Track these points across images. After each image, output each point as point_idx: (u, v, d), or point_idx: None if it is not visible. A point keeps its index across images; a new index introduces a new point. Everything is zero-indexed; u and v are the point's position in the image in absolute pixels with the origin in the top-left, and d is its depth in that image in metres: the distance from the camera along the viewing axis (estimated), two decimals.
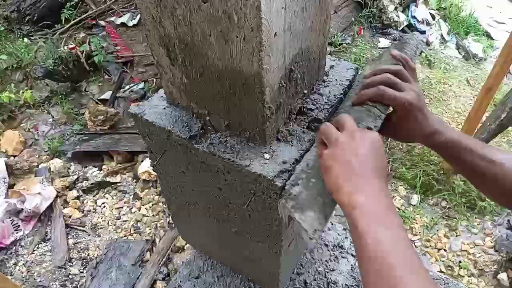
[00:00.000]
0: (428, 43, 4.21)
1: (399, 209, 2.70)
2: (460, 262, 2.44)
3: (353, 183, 0.62)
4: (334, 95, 0.93)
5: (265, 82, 0.68)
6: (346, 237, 1.48)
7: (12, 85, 3.52)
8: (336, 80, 0.97)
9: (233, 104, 0.78)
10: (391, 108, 0.82)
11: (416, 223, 2.64)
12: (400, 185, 2.88)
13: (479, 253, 2.48)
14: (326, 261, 1.40)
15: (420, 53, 4.03)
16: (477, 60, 4.16)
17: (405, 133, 0.83)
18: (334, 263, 1.39)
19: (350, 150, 0.64)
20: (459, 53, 4.25)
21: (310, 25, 0.77)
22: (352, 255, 1.42)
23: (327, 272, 1.36)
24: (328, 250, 1.43)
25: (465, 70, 4.06)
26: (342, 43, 4.09)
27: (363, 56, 3.94)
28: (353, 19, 4.36)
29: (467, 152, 0.78)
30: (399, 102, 0.77)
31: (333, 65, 1.02)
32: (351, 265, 1.39)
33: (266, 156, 0.80)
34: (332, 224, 1.53)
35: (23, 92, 3.42)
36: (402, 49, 0.95)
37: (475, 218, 2.67)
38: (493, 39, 4.42)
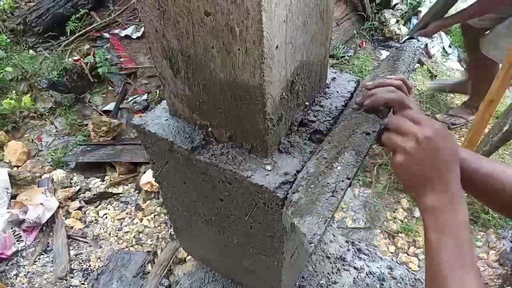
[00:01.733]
0: (430, 56, 4.23)
1: (401, 221, 2.69)
2: None
3: (424, 187, 0.67)
4: (336, 107, 0.93)
5: (266, 94, 0.69)
6: (348, 250, 1.47)
7: (14, 91, 3.55)
8: (337, 92, 0.98)
9: (235, 116, 0.79)
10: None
11: (420, 236, 2.62)
12: (403, 197, 2.86)
13: (483, 266, 2.45)
14: (328, 273, 1.39)
15: (421, 64, 4.05)
16: None
17: None
18: (336, 276, 1.38)
19: (420, 158, 0.67)
20: (461, 65, 4.26)
21: (312, 38, 0.78)
22: (355, 267, 1.41)
23: (329, 285, 1.35)
24: (330, 263, 1.42)
25: None
26: (344, 56, 4.11)
27: (365, 69, 3.95)
28: (355, 32, 4.39)
29: (467, 166, 0.77)
30: (413, 115, 0.77)
31: (335, 77, 1.03)
32: (354, 278, 1.38)
33: (268, 167, 0.81)
34: (334, 236, 1.52)
35: (23, 99, 3.44)
36: (400, 56, 0.97)
37: (479, 231, 2.65)
38: None
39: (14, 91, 3.58)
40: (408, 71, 0.94)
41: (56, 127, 3.55)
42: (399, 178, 0.71)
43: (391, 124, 0.74)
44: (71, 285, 2.43)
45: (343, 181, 0.73)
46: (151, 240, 2.66)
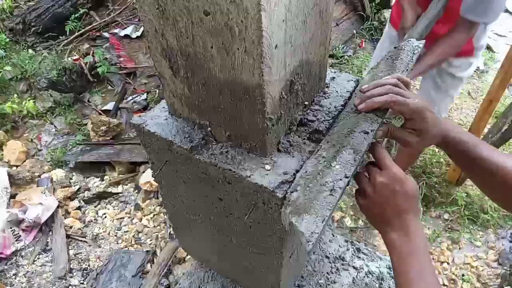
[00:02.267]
0: None
1: None
2: (463, 275, 2.41)
3: (385, 225, 0.77)
4: (335, 107, 0.93)
5: (266, 93, 0.69)
6: (347, 249, 1.47)
7: (15, 95, 3.55)
8: (337, 92, 0.98)
9: (234, 115, 0.79)
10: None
11: None
12: None
13: (482, 266, 2.45)
14: (327, 273, 1.39)
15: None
16: (478, 72, 4.17)
17: (420, 137, 0.84)
18: (335, 276, 1.38)
19: (377, 201, 0.76)
20: None
21: (311, 37, 0.78)
22: (354, 267, 1.41)
23: (328, 285, 1.35)
24: (330, 262, 1.42)
25: (467, 82, 4.06)
26: (343, 55, 4.11)
27: (365, 69, 3.95)
28: (354, 31, 4.39)
29: (477, 153, 0.83)
30: (412, 107, 0.79)
31: (334, 77, 1.03)
32: (353, 277, 1.38)
33: (267, 167, 0.81)
34: (333, 236, 1.52)
35: (25, 103, 3.44)
36: (398, 55, 0.96)
37: (478, 230, 2.65)
38: (494, 52, 4.43)
39: (15, 94, 3.57)
40: (407, 70, 0.94)
41: (55, 126, 3.55)
42: (365, 216, 0.81)
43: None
44: (70, 285, 2.43)
45: (341, 179, 0.73)
46: (151, 240, 2.66)
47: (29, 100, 3.50)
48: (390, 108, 0.82)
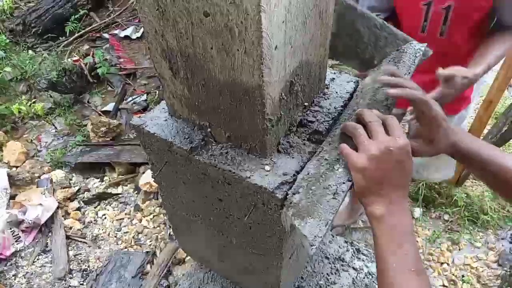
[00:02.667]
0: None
1: None
2: (463, 276, 2.41)
3: (376, 196, 0.70)
4: (335, 108, 0.93)
5: (265, 94, 0.69)
6: (347, 250, 1.47)
7: (23, 96, 3.55)
8: (336, 93, 0.98)
9: (234, 116, 0.79)
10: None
11: (419, 236, 2.62)
12: None
13: (482, 267, 2.45)
14: (327, 274, 1.39)
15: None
16: None
17: (432, 144, 0.83)
18: (335, 276, 1.38)
19: (379, 167, 0.69)
20: None
21: (311, 38, 0.78)
22: (353, 268, 1.41)
23: (328, 286, 1.35)
24: (329, 263, 1.42)
25: None
26: None
27: None
28: None
29: (488, 161, 0.81)
30: (435, 113, 0.79)
31: (334, 78, 1.03)
32: (353, 278, 1.38)
33: (267, 168, 0.81)
34: (333, 236, 1.52)
35: (31, 104, 3.45)
36: (401, 58, 0.96)
37: (478, 231, 2.65)
38: None
39: (23, 96, 3.58)
40: (409, 73, 0.94)
41: (55, 127, 3.55)
42: (355, 178, 0.72)
43: (366, 116, 0.75)
44: (70, 286, 2.43)
45: (344, 183, 0.73)
46: (150, 241, 2.65)
47: (34, 101, 3.51)
48: (415, 107, 0.81)
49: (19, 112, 3.37)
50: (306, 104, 0.91)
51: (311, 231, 0.67)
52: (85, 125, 3.47)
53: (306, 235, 0.66)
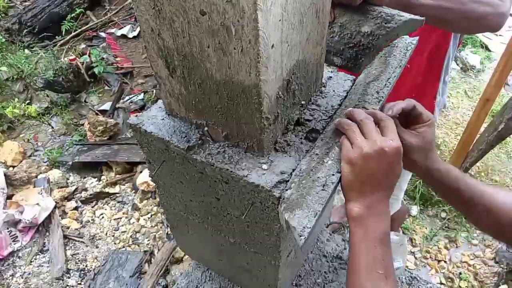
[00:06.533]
0: None
1: None
2: (460, 273, 2.42)
3: (358, 193, 0.72)
4: (332, 106, 0.93)
5: (262, 93, 0.69)
6: (345, 248, 1.47)
7: (16, 99, 3.54)
8: (333, 91, 0.98)
9: (231, 115, 0.79)
10: None
11: (416, 234, 2.63)
12: None
13: (479, 264, 2.46)
14: (325, 272, 1.39)
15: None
16: (474, 71, 4.18)
17: (412, 162, 0.83)
18: (333, 275, 1.38)
19: (369, 165, 0.70)
20: (457, 65, 4.27)
21: (308, 37, 0.78)
22: None
23: (326, 284, 1.35)
24: (327, 261, 1.43)
25: (463, 81, 4.08)
26: None
27: None
28: None
29: (460, 184, 0.82)
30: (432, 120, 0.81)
31: (331, 76, 1.03)
32: None
33: (264, 166, 0.81)
34: (331, 235, 1.52)
35: (26, 105, 3.43)
36: (392, 52, 0.97)
37: (475, 229, 2.66)
38: (490, 51, 4.44)
39: (16, 99, 3.56)
40: (400, 66, 0.94)
41: (52, 127, 3.54)
42: (344, 169, 0.72)
43: (356, 115, 0.76)
44: (67, 285, 2.42)
45: (333, 174, 0.73)
46: (148, 240, 2.65)
47: (29, 103, 3.49)
48: (413, 108, 0.82)
49: (13, 115, 3.36)
50: (303, 102, 0.91)
51: (300, 222, 0.67)
52: (82, 125, 3.46)
53: (295, 226, 0.67)
